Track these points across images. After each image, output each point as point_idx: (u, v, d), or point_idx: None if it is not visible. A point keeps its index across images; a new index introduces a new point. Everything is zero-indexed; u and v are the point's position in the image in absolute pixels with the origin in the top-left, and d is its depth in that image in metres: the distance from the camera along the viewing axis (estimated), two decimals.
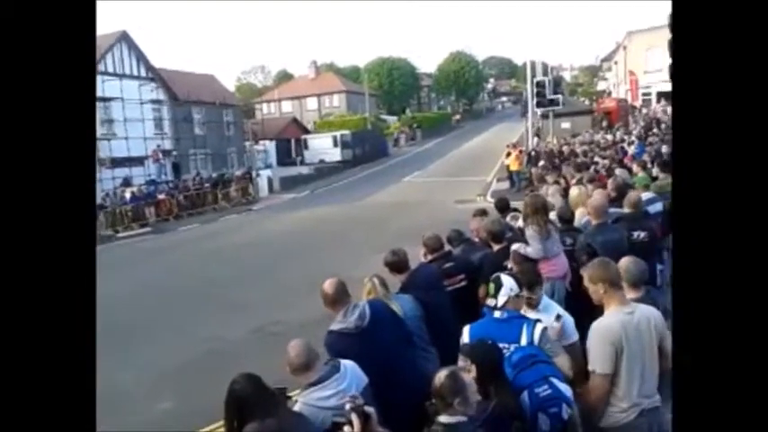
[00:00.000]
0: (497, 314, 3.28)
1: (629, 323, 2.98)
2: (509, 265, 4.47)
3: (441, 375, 2.42)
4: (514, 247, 4.62)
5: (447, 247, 4.92)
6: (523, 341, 3.13)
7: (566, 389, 2.88)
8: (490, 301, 3.34)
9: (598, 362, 2.96)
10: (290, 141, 39.13)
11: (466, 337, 3.26)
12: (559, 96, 24.35)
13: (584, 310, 3.44)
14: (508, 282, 3.36)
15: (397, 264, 4.31)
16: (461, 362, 2.98)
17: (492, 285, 3.36)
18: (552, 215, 5.13)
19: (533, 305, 3.61)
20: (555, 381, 2.87)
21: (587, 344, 3.08)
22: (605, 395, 2.98)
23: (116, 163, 25.30)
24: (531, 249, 4.51)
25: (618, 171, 9.15)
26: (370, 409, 1.94)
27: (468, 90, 71.66)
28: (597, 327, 3.04)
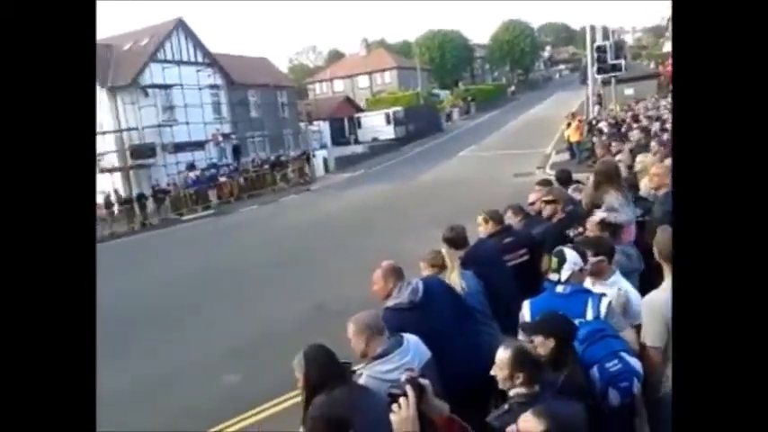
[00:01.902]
0: (560, 289, 3.19)
1: None
2: (570, 234, 4.33)
3: (506, 350, 2.39)
4: (602, 215, 4.32)
5: (507, 222, 4.82)
6: (589, 315, 3.05)
7: (635, 363, 2.81)
8: (553, 276, 3.24)
9: (649, 335, 2.95)
10: (343, 120, 39.34)
11: (526, 312, 3.19)
12: (622, 61, 23.20)
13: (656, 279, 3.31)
14: (572, 256, 3.25)
15: (455, 239, 4.27)
16: (522, 336, 2.93)
17: (555, 260, 3.25)
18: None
19: (602, 276, 3.48)
20: (625, 355, 2.80)
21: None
22: (660, 367, 2.94)
23: (178, 148, 26.27)
24: (623, 216, 4.31)
25: None
26: (425, 382, 1.95)
27: (523, 60, 69.51)
28: (647, 300, 3.03)
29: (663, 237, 3.05)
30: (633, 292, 3.47)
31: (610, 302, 3.13)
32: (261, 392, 5.79)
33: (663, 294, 2.97)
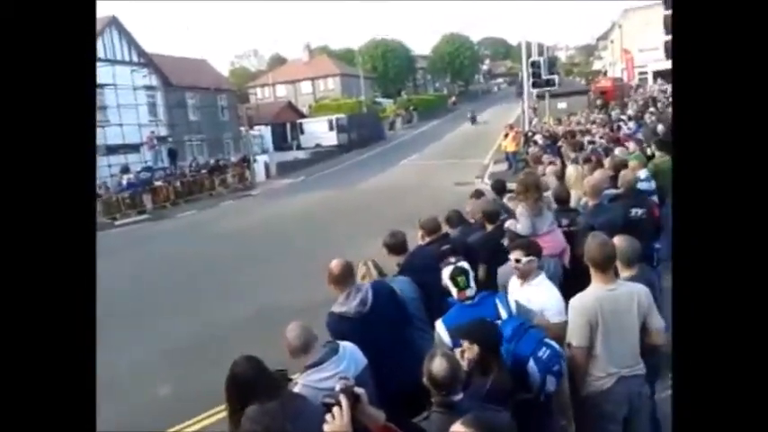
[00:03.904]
0: (468, 301, 3.26)
1: (606, 299, 3.08)
2: (506, 244, 4.49)
3: (433, 359, 2.43)
4: (507, 223, 4.68)
5: (445, 229, 4.93)
6: (503, 315, 3.16)
7: (556, 344, 3.00)
8: (468, 293, 3.27)
9: (574, 335, 3.11)
10: (285, 126, 38.87)
11: (442, 331, 3.21)
12: (555, 77, 24.21)
13: (581, 288, 3.46)
14: (465, 264, 3.36)
15: (396, 245, 4.33)
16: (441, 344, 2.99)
17: (461, 279, 3.27)
18: (548, 195, 5.15)
19: (530, 277, 3.62)
20: (548, 340, 2.98)
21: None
22: (582, 366, 3.11)
23: (111, 150, 25.12)
24: (520, 226, 4.56)
25: (617, 150, 9.15)
26: (360, 390, 1.95)
27: (463, 72, 71.20)
28: (574, 302, 3.18)
29: (592, 242, 3.22)
30: (554, 293, 3.60)
31: (516, 300, 3.28)
32: (194, 403, 5.62)
33: (589, 296, 3.14)
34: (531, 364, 2.87)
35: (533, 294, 3.50)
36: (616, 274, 3.30)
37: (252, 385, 2.47)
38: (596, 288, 3.15)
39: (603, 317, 3.04)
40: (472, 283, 3.29)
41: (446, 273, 3.34)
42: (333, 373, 2.68)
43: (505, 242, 4.58)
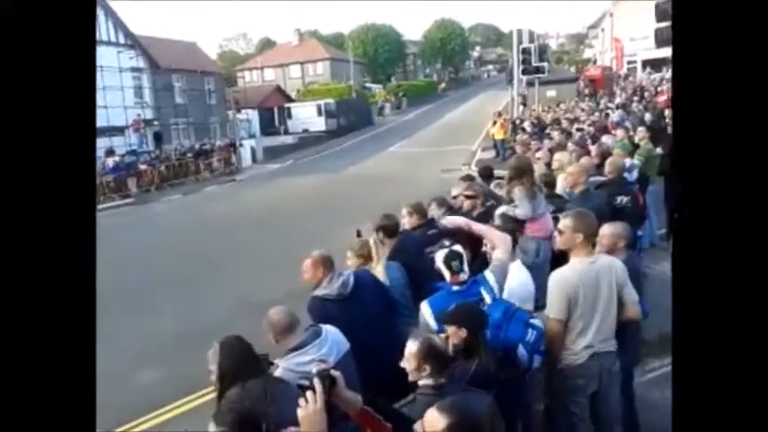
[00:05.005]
0: (456, 287, 3.19)
1: (586, 273, 3.11)
2: None
3: (430, 339, 2.43)
4: (503, 209, 4.60)
5: (431, 214, 4.91)
6: (487, 300, 3.14)
7: (538, 322, 3.03)
8: (462, 277, 3.20)
9: (553, 308, 3.14)
10: (273, 110, 38.51)
11: (427, 312, 3.16)
12: (545, 64, 24.26)
13: None
14: (458, 247, 3.31)
15: (389, 227, 4.31)
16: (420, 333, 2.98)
17: (455, 263, 3.19)
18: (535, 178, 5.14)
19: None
20: (532, 321, 3.01)
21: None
22: (558, 338, 3.15)
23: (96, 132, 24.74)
24: (520, 210, 4.52)
25: (604, 138, 9.17)
26: (336, 374, 1.92)
27: (454, 58, 70.93)
28: (555, 276, 3.21)
29: (575, 216, 3.26)
30: (523, 281, 3.57)
31: (491, 272, 3.25)
32: (177, 389, 5.61)
33: (568, 271, 3.18)
34: (521, 349, 2.90)
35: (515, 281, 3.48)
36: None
37: (239, 362, 2.47)
38: (577, 261, 3.19)
39: (584, 290, 3.08)
40: (465, 268, 3.23)
41: (440, 256, 3.27)
42: (314, 357, 2.66)
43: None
